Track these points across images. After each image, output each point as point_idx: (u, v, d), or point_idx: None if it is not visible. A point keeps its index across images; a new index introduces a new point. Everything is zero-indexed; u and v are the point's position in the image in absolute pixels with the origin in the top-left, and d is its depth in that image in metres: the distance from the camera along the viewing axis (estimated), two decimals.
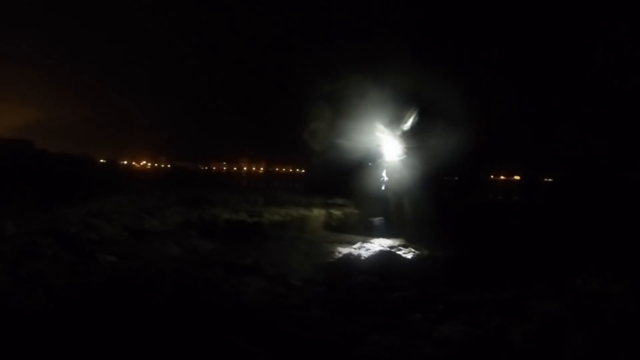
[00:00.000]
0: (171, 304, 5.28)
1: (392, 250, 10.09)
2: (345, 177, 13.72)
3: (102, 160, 35.27)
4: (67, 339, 4.09)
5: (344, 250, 9.99)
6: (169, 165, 43.42)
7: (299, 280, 7.09)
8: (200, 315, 5.03)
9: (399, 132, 13.48)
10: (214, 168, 45.03)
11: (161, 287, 5.88)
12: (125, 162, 38.73)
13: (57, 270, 6.15)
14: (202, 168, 44.31)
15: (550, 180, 27.75)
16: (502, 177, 33.39)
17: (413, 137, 13.56)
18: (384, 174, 13.09)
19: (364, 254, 9.72)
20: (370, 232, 11.78)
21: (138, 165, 42.05)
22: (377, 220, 12.07)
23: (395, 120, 13.51)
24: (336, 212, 13.33)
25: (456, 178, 18.89)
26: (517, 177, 33.07)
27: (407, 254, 9.87)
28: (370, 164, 13.52)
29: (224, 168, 45.94)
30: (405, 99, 13.61)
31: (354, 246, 10.45)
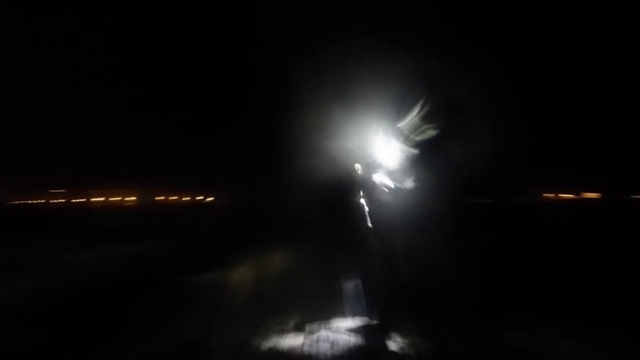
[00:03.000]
0: None
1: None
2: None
3: None
4: None
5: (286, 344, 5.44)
6: None
7: None
8: None
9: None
10: (53, 200, 24.11)
11: None
12: None
13: None
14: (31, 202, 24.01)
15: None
16: (555, 195, 25.99)
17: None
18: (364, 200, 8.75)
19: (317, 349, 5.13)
20: (327, 302, 7.11)
21: None
22: (351, 283, 7.42)
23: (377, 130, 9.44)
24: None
25: (490, 201, 13.61)
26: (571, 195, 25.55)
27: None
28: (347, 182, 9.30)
29: (69, 200, 24.63)
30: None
31: (300, 338, 5.87)
